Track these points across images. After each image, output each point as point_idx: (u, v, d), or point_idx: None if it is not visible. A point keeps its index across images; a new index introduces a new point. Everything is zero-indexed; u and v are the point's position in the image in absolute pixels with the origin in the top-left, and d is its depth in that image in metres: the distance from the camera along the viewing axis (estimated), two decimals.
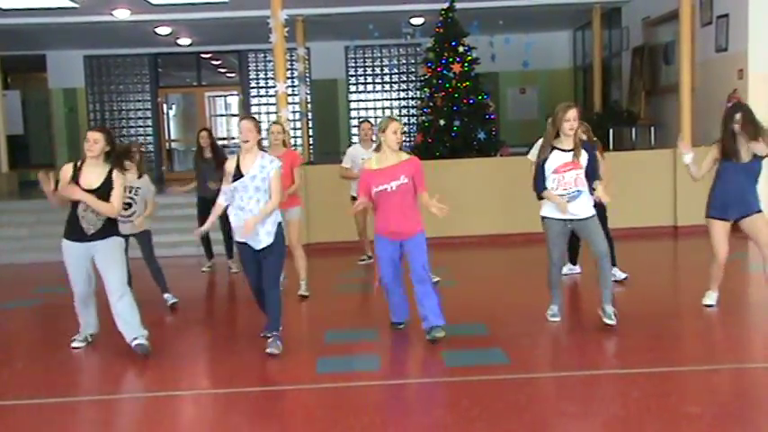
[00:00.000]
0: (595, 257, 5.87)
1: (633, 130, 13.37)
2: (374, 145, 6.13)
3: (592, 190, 5.78)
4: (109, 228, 5.69)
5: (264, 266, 5.64)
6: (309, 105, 16.32)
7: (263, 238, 5.59)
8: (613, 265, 6.71)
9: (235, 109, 18.93)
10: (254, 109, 17.37)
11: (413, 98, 17.32)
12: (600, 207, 6.06)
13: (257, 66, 17.50)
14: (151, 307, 7.13)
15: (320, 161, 13.80)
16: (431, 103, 12.39)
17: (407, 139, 15.49)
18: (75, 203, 5.61)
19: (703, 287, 6.33)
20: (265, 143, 7.40)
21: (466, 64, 12.12)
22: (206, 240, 8.97)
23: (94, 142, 5.58)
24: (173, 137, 18.54)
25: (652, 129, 13.00)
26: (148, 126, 17.51)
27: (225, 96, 19.47)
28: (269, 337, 5.63)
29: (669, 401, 4.39)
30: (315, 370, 5.19)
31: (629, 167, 9.92)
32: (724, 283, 6.29)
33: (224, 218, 8.36)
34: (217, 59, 18.32)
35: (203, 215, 8.89)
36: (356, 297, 7.82)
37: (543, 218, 5.93)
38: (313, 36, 14.87)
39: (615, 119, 13.48)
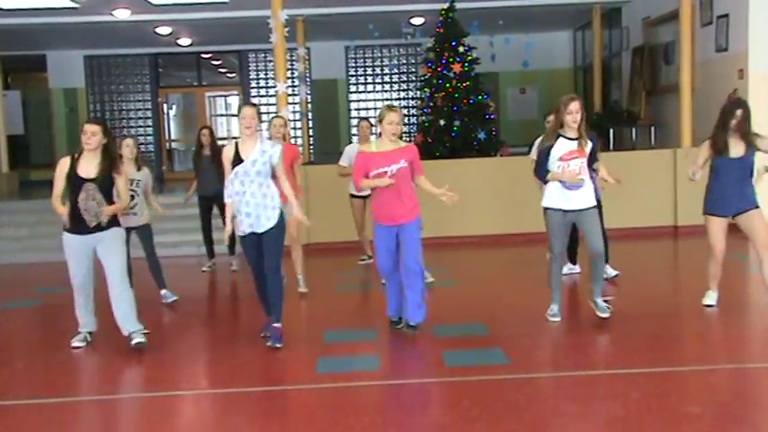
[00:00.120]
0: (590, 255, 5.90)
1: (633, 130, 13.37)
2: (374, 137, 6.16)
3: (593, 171, 5.87)
4: (110, 220, 5.72)
5: (265, 250, 5.69)
6: (309, 105, 16.32)
7: (264, 223, 5.64)
8: (606, 261, 6.73)
9: (235, 109, 18.93)
10: None
11: (413, 98, 17.32)
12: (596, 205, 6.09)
13: (257, 66, 17.50)
14: (151, 306, 7.15)
15: (320, 161, 13.81)
16: (431, 103, 12.40)
17: (407, 138, 15.49)
18: (74, 196, 5.63)
19: (703, 287, 6.33)
20: (265, 135, 7.41)
21: (466, 64, 12.13)
22: (208, 240, 8.98)
23: (92, 134, 5.61)
24: (173, 137, 18.55)
25: (652, 129, 13.00)
26: (149, 126, 17.51)
27: (225, 96, 19.48)
28: (267, 337, 5.72)
29: (669, 401, 4.38)
30: (315, 370, 5.19)
31: (630, 167, 9.91)
32: (724, 283, 6.30)
33: (225, 211, 8.38)
34: (217, 59, 18.33)
35: (205, 214, 8.92)
36: (356, 297, 7.82)
37: (545, 209, 5.94)
38: (313, 36, 14.88)
39: (615, 119, 13.48)
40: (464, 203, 10.12)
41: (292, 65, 14.81)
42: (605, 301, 6.00)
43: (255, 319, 6.22)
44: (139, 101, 17.49)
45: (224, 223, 6.00)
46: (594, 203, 5.88)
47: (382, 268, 5.89)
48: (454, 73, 12.07)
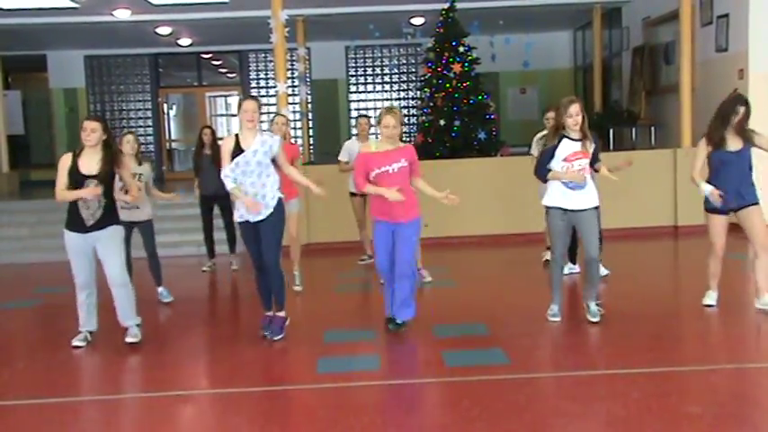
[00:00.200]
0: (586, 259, 5.93)
1: (633, 129, 13.37)
2: (372, 138, 6.20)
3: (594, 171, 5.90)
4: (108, 217, 5.77)
5: (263, 242, 5.76)
6: (310, 105, 16.33)
7: (261, 210, 5.69)
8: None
9: (235, 109, 18.90)
10: None
11: (413, 98, 17.32)
12: None
13: (258, 66, 17.51)
14: (152, 307, 7.16)
15: (320, 161, 13.81)
16: (431, 103, 12.40)
17: (407, 138, 15.49)
18: None
19: (704, 287, 6.33)
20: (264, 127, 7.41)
21: (466, 64, 12.13)
22: (209, 240, 8.98)
23: (92, 131, 5.65)
24: (173, 137, 18.56)
25: (652, 129, 12.99)
26: (149, 126, 17.51)
27: (225, 96, 19.48)
28: (266, 329, 5.91)
29: (669, 401, 4.39)
30: (315, 370, 5.19)
31: (630, 167, 9.90)
32: (724, 282, 6.29)
33: (227, 211, 8.42)
34: (217, 59, 18.33)
35: (207, 214, 8.92)
36: (356, 297, 7.82)
37: (546, 208, 5.94)
38: (313, 36, 14.88)
39: (615, 119, 13.48)
40: (464, 203, 10.12)
41: (292, 65, 14.81)
42: (598, 304, 6.01)
43: (256, 318, 6.22)
44: (140, 101, 17.49)
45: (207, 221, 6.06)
46: (595, 205, 5.88)
47: (380, 266, 5.93)
48: (454, 73, 12.07)
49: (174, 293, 7.54)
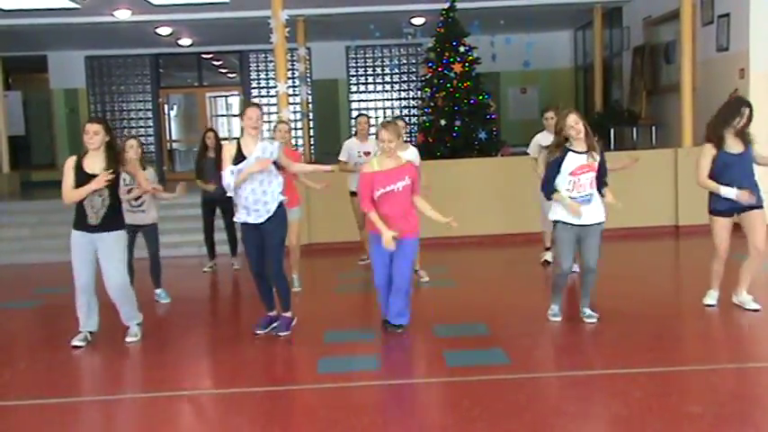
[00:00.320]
0: (584, 269, 5.93)
1: (634, 129, 13.36)
2: (371, 138, 6.19)
3: (600, 194, 5.80)
4: (112, 219, 5.78)
5: (267, 248, 5.84)
6: (310, 105, 16.33)
7: (263, 215, 5.75)
8: None
9: (236, 109, 18.94)
10: None
11: (414, 98, 17.32)
12: None
13: (258, 66, 17.51)
14: (153, 307, 7.17)
15: (321, 161, 13.78)
16: (432, 103, 12.40)
17: (408, 139, 15.47)
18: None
19: (704, 287, 6.33)
20: (266, 135, 7.39)
21: (467, 64, 12.13)
22: (210, 241, 8.99)
23: (94, 134, 5.66)
24: (174, 137, 18.57)
25: (653, 128, 12.99)
26: (149, 126, 17.51)
27: (226, 97, 19.48)
28: (258, 335, 5.99)
29: (670, 401, 4.38)
30: (316, 370, 5.19)
31: (631, 167, 9.90)
32: (725, 282, 6.28)
33: (228, 214, 8.42)
34: (218, 60, 18.33)
35: (208, 216, 8.92)
36: (356, 297, 7.82)
37: (555, 222, 5.91)
38: (314, 36, 14.88)
39: (616, 118, 13.47)
40: (464, 203, 10.22)
41: (293, 65, 14.81)
42: (593, 310, 6.03)
43: (257, 318, 6.23)
44: (140, 101, 17.49)
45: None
46: (602, 219, 5.82)
47: (378, 282, 5.89)
48: (455, 73, 12.07)
49: (175, 294, 7.55)
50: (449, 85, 12.07)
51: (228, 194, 5.88)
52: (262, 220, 5.76)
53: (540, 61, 15.77)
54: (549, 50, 16.73)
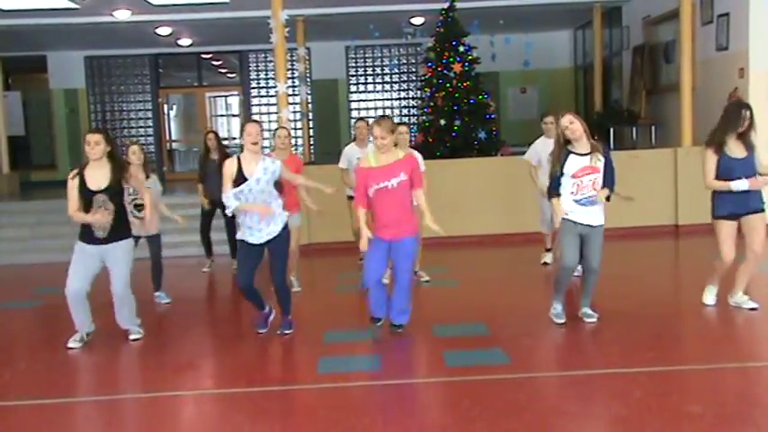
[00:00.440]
0: (585, 269, 5.92)
1: (634, 129, 13.37)
2: (371, 144, 6.16)
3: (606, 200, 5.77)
4: (119, 229, 5.79)
5: (272, 261, 5.91)
6: (310, 105, 16.33)
7: (264, 237, 5.78)
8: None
9: (235, 109, 18.94)
10: (254, 109, 17.38)
11: (413, 98, 17.32)
12: None
13: (258, 66, 17.50)
14: (152, 307, 7.17)
15: (321, 161, 13.80)
16: (431, 103, 12.40)
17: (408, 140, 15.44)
18: (87, 207, 5.70)
19: (704, 286, 6.32)
20: (266, 143, 7.38)
21: (466, 63, 12.13)
22: (206, 239, 8.99)
23: (96, 144, 5.64)
24: (173, 137, 18.58)
25: (653, 128, 12.99)
26: (149, 126, 17.50)
27: (225, 97, 19.48)
28: (262, 333, 6.02)
29: (670, 401, 4.39)
30: (316, 370, 5.19)
31: (630, 167, 9.91)
32: (725, 282, 6.26)
33: (229, 218, 8.42)
34: (217, 60, 18.33)
35: (207, 217, 8.92)
36: (356, 297, 7.78)
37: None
38: (313, 36, 14.88)
39: (616, 118, 13.48)
40: (464, 203, 10.23)
41: (293, 65, 14.81)
42: (593, 310, 6.03)
43: (254, 319, 6.23)
44: (140, 101, 17.49)
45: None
46: (603, 222, 5.81)
47: (370, 278, 5.74)
48: (455, 73, 12.07)
49: (175, 294, 7.55)
50: (448, 84, 12.07)
51: (228, 212, 5.84)
52: (263, 241, 5.79)
53: (540, 61, 15.77)
54: (548, 50, 16.73)
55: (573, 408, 4.41)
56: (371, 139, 5.87)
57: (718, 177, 5.91)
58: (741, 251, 6.09)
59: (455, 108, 12.03)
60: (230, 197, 5.69)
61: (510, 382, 4.83)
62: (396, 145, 5.78)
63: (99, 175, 5.68)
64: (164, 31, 14.46)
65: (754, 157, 5.92)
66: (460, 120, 12.01)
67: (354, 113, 17.27)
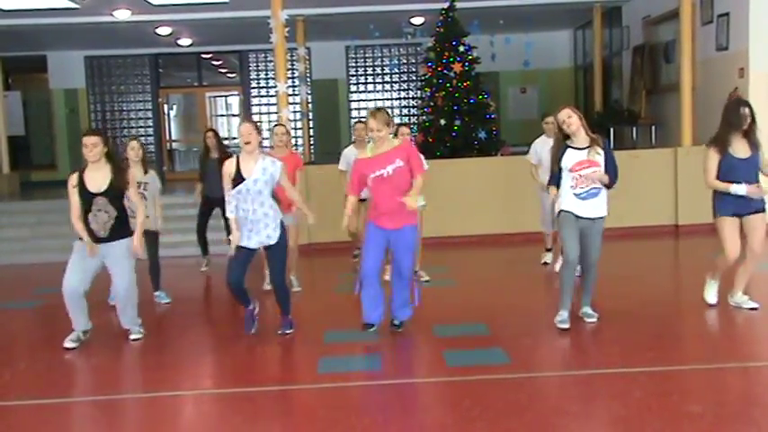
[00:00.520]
0: (584, 264, 5.90)
1: (634, 129, 13.37)
2: (369, 144, 6.16)
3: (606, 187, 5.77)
4: (119, 229, 5.79)
5: (270, 265, 5.96)
6: (310, 105, 16.33)
7: (263, 240, 5.77)
8: None
9: (235, 109, 18.95)
10: (254, 109, 17.39)
11: (413, 98, 17.33)
12: None
13: (258, 66, 17.51)
14: (152, 307, 7.16)
15: (321, 161, 13.80)
16: (431, 103, 12.40)
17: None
18: (87, 209, 5.70)
19: (704, 286, 6.31)
20: (266, 143, 7.38)
21: (466, 63, 12.13)
22: (203, 238, 8.96)
23: (93, 146, 5.65)
24: (174, 137, 18.58)
25: (653, 128, 13.00)
26: (149, 126, 17.51)
27: (226, 96, 19.49)
28: (251, 333, 6.03)
29: (670, 400, 4.38)
30: (316, 370, 5.19)
31: (630, 166, 9.92)
32: (725, 282, 6.27)
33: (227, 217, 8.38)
34: (217, 60, 18.33)
35: (205, 214, 8.91)
36: (356, 297, 7.78)
37: (559, 213, 5.83)
38: (313, 36, 14.88)
39: (616, 118, 13.48)
40: (464, 203, 10.23)
41: (293, 65, 14.81)
42: (593, 310, 6.02)
43: (257, 319, 6.22)
44: (140, 101, 17.49)
45: (228, 234, 6.18)
46: (605, 213, 5.79)
47: (368, 268, 5.71)
48: (455, 72, 12.07)
49: (175, 294, 7.55)
50: (448, 84, 12.07)
51: (229, 215, 5.83)
52: (257, 246, 5.78)
53: (540, 61, 15.77)
54: (548, 50, 16.74)
55: (573, 408, 4.41)
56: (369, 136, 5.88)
57: (719, 177, 5.90)
58: (740, 251, 6.09)
59: (455, 108, 12.03)
60: (231, 201, 5.73)
61: (510, 382, 4.82)
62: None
63: (98, 177, 5.68)
64: (164, 30, 14.46)
65: (758, 156, 5.89)
66: (460, 120, 12.01)
67: (354, 113, 17.28)
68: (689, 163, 9.89)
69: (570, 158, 5.68)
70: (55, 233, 10.18)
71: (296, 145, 15.02)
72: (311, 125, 15.98)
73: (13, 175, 14.11)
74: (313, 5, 12.75)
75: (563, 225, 5.80)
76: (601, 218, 5.79)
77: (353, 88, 17.62)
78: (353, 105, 17.52)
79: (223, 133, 18.84)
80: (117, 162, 5.83)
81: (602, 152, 5.68)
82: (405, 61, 17.58)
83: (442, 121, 12.05)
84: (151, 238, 7.19)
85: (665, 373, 4.90)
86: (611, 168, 5.70)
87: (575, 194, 5.71)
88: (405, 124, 7.84)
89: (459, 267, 8.71)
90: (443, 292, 7.42)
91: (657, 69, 13.17)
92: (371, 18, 13.50)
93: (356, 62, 17.59)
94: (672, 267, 9.03)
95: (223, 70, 19.16)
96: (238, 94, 18.01)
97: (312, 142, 15.87)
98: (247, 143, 5.66)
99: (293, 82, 14.68)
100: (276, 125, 7.60)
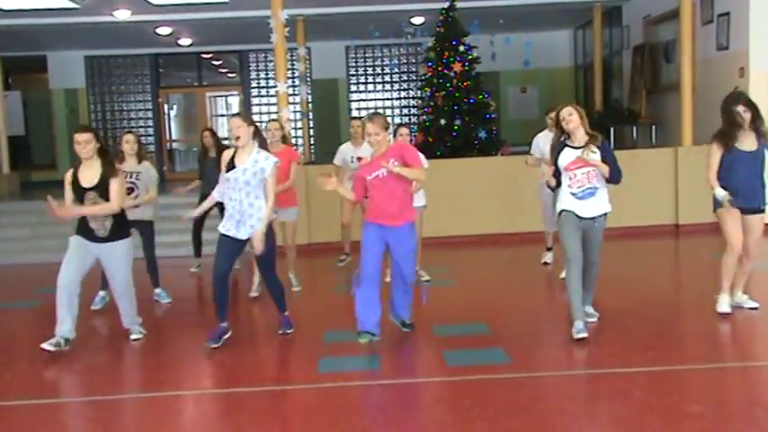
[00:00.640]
0: (585, 262, 5.81)
1: (634, 128, 13.37)
2: (365, 143, 6.16)
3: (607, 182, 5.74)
4: (119, 228, 5.79)
5: (258, 263, 5.97)
6: (310, 105, 16.33)
7: (247, 230, 5.70)
8: None
9: (236, 109, 18.93)
10: (254, 109, 17.38)
11: (414, 98, 17.32)
12: None
13: (258, 66, 17.51)
14: (152, 307, 7.16)
15: (321, 161, 13.80)
16: (432, 103, 12.40)
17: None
18: (79, 204, 5.70)
19: (705, 285, 6.32)
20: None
21: (467, 63, 12.13)
22: (197, 240, 8.91)
23: (86, 143, 5.67)
24: (174, 137, 18.56)
25: (653, 127, 12.99)
26: (149, 126, 17.50)
27: (226, 96, 19.48)
28: (214, 348, 5.83)
29: (671, 400, 4.38)
30: (316, 370, 5.19)
31: (631, 166, 9.89)
32: (718, 286, 6.23)
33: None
34: (217, 59, 18.33)
35: (202, 215, 8.89)
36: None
37: (559, 213, 5.79)
38: (313, 36, 14.88)
39: (616, 118, 13.48)
40: (464, 203, 10.23)
41: (293, 65, 14.81)
42: (594, 309, 6.01)
43: (256, 319, 6.24)
44: (140, 101, 17.49)
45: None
46: (606, 211, 5.73)
47: (368, 270, 5.60)
48: (455, 72, 12.07)
49: (174, 293, 7.55)
50: (448, 84, 12.07)
51: (213, 194, 5.97)
52: (246, 236, 5.70)
53: (540, 60, 15.76)
54: (548, 50, 16.72)
55: (573, 407, 4.41)
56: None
57: (723, 170, 5.87)
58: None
59: (455, 108, 12.03)
60: (221, 184, 5.81)
61: (511, 382, 4.82)
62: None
63: (90, 173, 5.71)
64: (164, 30, 14.46)
65: (764, 149, 5.85)
66: (461, 119, 12.01)
67: (354, 113, 17.27)
68: (689, 162, 9.89)
69: (566, 157, 5.69)
70: (55, 233, 10.17)
71: (296, 145, 15.01)
72: (311, 125, 15.98)
73: (14, 175, 14.11)
74: (313, 5, 12.75)
75: (563, 224, 5.77)
76: (602, 216, 5.74)
77: (353, 88, 17.61)
78: (353, 105, 17.52)
79: (223, 133, 18.84)
80: (109, 158, 5.82)
81: (597, 150, 5.61)
82: (405, 61, 17.57)
83: (443, 121, 12.05)
84: (146, 229, 7.14)
85: (665, 372, 4.89)
86: (610, 164, 5.64)
87: (572, 194, 5.70)
88: (404, 125, 7.84)
89: (459, 267, 8.71)
90: (443, 292, 7.42)
91: (658, 69, 13.17)
92: (371, 18, 13.50)
93: (356, 62, 17.59)
94: (672, 267, 9.03)
95: (223, 70, 19.15)
96: (238, 94, 18.01)
97: (312, 142, 15.87)
98: (236, 138, 5.65)
99: (293, 82, 14.68)
100: (270, 121, 7.59)
